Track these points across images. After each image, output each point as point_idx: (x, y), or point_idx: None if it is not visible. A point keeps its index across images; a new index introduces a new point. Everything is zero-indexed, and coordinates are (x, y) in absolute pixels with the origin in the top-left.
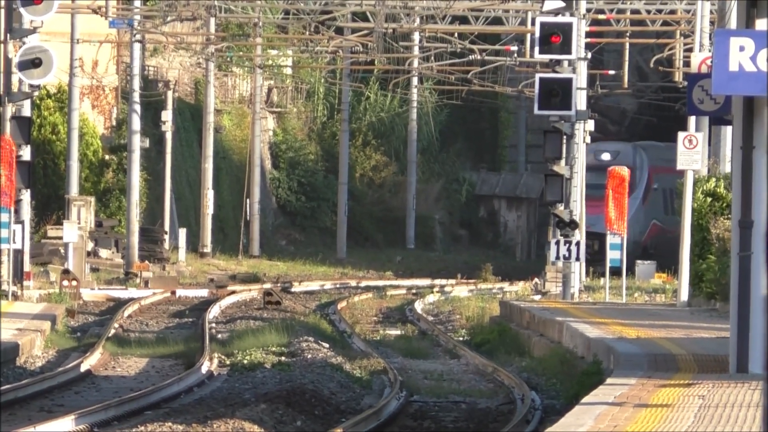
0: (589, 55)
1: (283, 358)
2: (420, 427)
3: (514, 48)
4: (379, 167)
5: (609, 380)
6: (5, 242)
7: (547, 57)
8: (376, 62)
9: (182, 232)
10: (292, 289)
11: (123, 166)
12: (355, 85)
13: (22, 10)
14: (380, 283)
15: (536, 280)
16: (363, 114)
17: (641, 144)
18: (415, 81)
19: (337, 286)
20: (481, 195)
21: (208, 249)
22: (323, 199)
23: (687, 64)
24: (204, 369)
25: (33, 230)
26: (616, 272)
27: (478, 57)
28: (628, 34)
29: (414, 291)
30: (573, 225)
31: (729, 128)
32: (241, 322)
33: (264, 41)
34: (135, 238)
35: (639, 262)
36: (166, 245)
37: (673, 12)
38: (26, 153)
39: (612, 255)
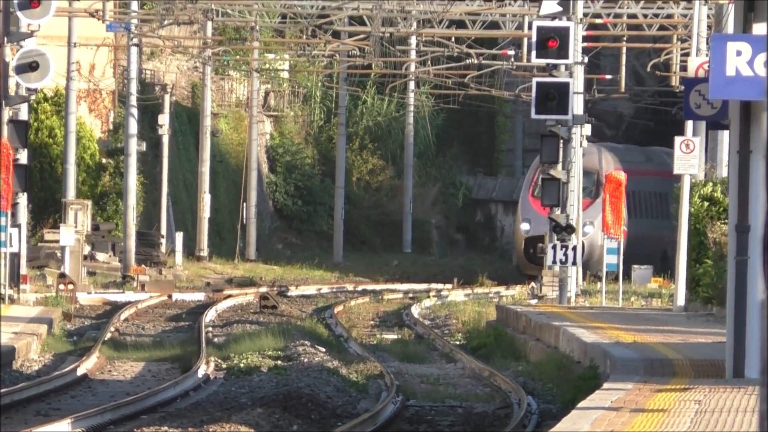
0: (586, 60)
1: (279, 362)
2: (416, 431)
3: (511, 52)
4: (376, 171)
5: (605, 385)
6: (2, 245)
7: (544, 61)
8: (373, 66)
9: (179, 236)
10: (289, 293)
11: (120, 170)
12: (352, 89)
13: (19, 13)
14: (377, 287)
15: (533, 284)
16: (360, 118)
17: (605, 145)
18: (411, 85)
19: (334, 290)
20: (478, 199)
21: (204, 253)
22: (320, 203)
23: (684, 68)
24: (200, 373)
25: (30, 234)
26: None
27: (475, 61)
28: (625, 38)
29: (411, 295)
30: (569, 229)
31: (726, 132)
32: (237, 326)
33: (261, 45)
34: (132, 242)
35: (635, 266)
36: (163, 249)
37: (670, 16)
38: (23, 156)
39: (609, 259)
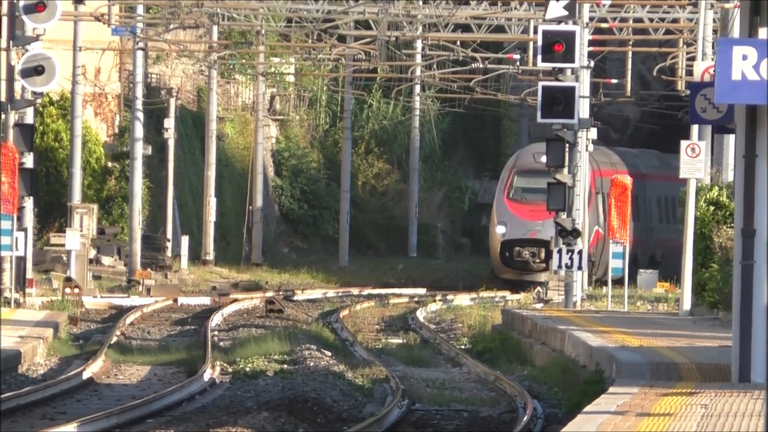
0: (592, 64)
1: (285, 366)
2: None
3: (517, 56)
4: (382, 175)
5: (611, 389)
6: (8, 249)
7: (549, 65)
8: (378, 70)
9: (184, 240)
10: (295, 298)
11: (125, 174)
12: (358, 92)
13: (25, 17)
14: (382, 291)
15: (538, 288)
16: (365, 122)
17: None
18: (417, 89)
19: (340, 294)
20: (484, 203)
21: (210, 257)
22: (325, 207)
23: (690, 72)
24: (206, 377)
25: (35, 238)
26: (618, 281)
27: (481, 65)
28: (630, 42)
29: (416, 299)
30: (575, 233)
31: (732, 137)
32: (243, 330)
33: (266, 49)
34: (137, 246)
35: (641, 270)
36: (169, 253)
37: (675, 21)
38: (29, 160)
39: (614, 264)
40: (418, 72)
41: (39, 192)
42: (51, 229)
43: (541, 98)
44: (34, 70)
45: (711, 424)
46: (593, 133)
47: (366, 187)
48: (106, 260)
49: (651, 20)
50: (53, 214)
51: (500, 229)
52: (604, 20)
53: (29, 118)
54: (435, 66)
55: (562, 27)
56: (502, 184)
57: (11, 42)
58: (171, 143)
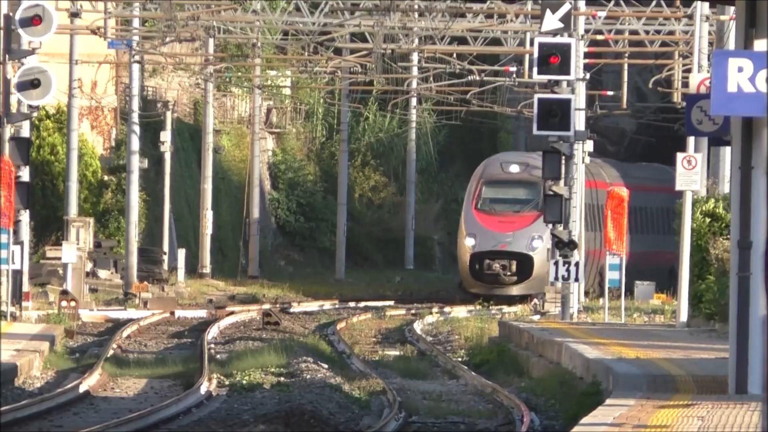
0: (588, 76)
1: (282, 379)
2: None
3: (513, 69)
4: (378, 187)
5: (608, 401)
6: (4, 263)
7: (545, 77)
8: (374, 83)
9: (181, 253)
10: (291, 310)
11: (122, 187)
12: (354, 105)
13: (20, 31)
14: (379, 303)
15: (535, 300)
16: (362, 134)
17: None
18: (413, 101)
19: (336, 306)
20: None
21: (207, 269)
22: (322, 219)
23: (686, 84)
24: (203, 390)
25: (32, 251)
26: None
27: (477, 77)
28: (626, 54)
29: (413, 311)
30: (572, 245)
31: (728, 149)
32: (239, 343)
33: (263, 62)
34: (134, 259)
35: (638, 282)
36: (165, 266)
37: (671, 33)
38: (25, 174)
39: (611, 275)
40: (414, 84)
41: (35, 205)
42: (47, 242)
43: (538, 110)
44: (30, 84)
45: None
46: (589, 145)
47: (363, 199)
48: (103, 273)
49: (647, 32)
50: (50, 228)
51: (469, 242)
52: (600, 32)
53: (25, 131)
54: (431, 78)
55: (558, 39)
56: (469, 195)
57: (7, 55)
58: (167, 156)
